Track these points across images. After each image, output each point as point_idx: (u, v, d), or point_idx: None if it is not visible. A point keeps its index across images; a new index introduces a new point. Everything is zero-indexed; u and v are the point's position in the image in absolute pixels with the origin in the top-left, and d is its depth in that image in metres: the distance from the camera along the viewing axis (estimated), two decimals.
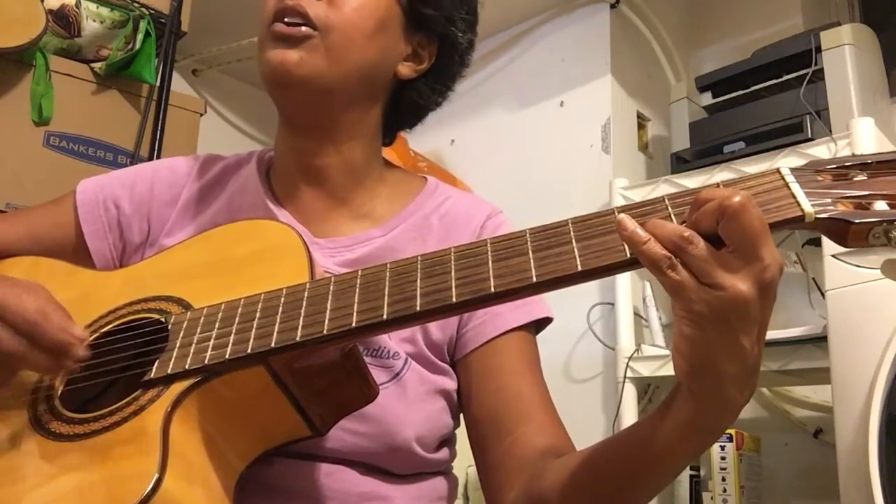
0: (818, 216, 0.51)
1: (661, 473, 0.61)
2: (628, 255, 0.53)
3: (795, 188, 0.52)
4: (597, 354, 1.88)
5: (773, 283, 0.50)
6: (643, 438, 0.60)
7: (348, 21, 0.78)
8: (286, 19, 0.77)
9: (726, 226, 0.50)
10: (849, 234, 0.50)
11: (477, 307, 0.60)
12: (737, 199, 0.49)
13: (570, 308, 1.86)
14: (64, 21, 1.56)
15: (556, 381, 1.90)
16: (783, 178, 0.53)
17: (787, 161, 1.57)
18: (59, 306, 0.65)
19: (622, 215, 0.53)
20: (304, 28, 0.76)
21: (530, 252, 0.56)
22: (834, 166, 0.53)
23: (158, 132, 1.66)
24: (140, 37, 1.62)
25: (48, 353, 0.62)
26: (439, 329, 0.80)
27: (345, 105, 0.82)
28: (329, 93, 0.79)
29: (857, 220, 0.50)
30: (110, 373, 0.67)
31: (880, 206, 0.50)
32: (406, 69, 0.85)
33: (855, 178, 0.52)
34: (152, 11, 1.67)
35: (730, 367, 0.51)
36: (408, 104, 0.89)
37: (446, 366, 0.81)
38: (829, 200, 0.51)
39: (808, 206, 0.51)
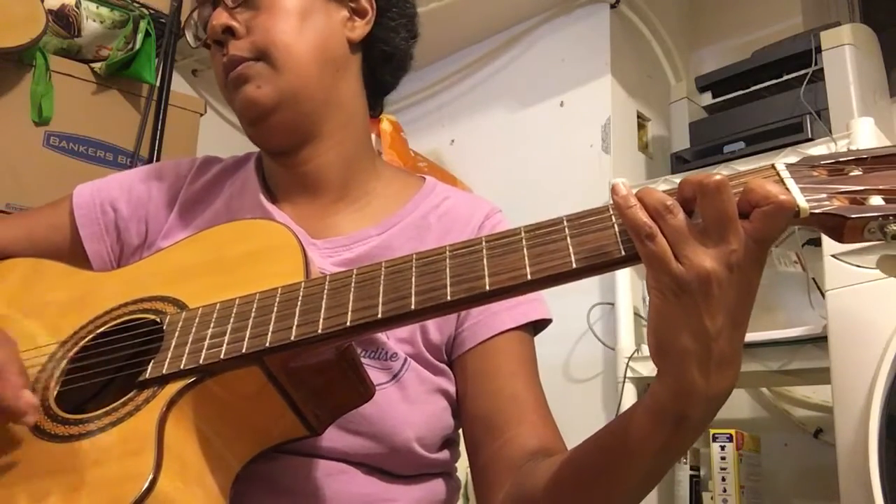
0: (813, 211, 0.51)
1: (633, 467, 0.60)
2: (623, 252, 0.54)
3: (790, 183, 0.52)
4: (597, 354, 1.88)
5: (738, 266, 0.51)
6: (619, 426, 0.60)
7: (273, 31, 0.79)
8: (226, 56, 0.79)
9: (702, 202, 0.52)
10: (844, 229, 0.50)
11: (472, 305, 0.59)
12: (716, 177, 0.51)
13: (570, 308, 1.85)
14: (64, 21, 1.57)
15: (556, 381, 1.90)
16: (778, 174, 0.54)
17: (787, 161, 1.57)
18: (20, 367, 0.63)
19: (617, 181, 0.55)
20: (246, 63, 0.78)
21: (525, 249, 0.56)
22: (829, 161, 0.54)
23: (158, 132, 1.67)
24: (140, 37, 1.63)
25: None
26: (438, 330, 0.80)
27: (318, 99, 0.82)
28: (298, 100, 0.80)
29: (852, 216, 0.50)
30: (106, 373, 0.67)
31: (876, 200, 0.50)
32: (356, 31, 0.85)
33: (850, 174, 0.52)
34: (152, 11, 1.68)
35: (691, 344, 0.52)
36: (379, 59, 0.88)
37: (445, 367, 0.80)
38: (824, 196, 0.51)
39: (802, 201, 0.51)
